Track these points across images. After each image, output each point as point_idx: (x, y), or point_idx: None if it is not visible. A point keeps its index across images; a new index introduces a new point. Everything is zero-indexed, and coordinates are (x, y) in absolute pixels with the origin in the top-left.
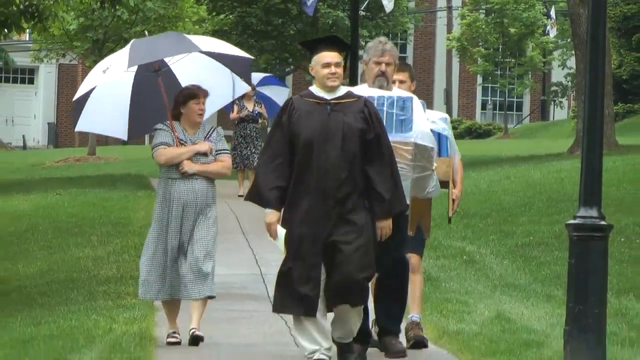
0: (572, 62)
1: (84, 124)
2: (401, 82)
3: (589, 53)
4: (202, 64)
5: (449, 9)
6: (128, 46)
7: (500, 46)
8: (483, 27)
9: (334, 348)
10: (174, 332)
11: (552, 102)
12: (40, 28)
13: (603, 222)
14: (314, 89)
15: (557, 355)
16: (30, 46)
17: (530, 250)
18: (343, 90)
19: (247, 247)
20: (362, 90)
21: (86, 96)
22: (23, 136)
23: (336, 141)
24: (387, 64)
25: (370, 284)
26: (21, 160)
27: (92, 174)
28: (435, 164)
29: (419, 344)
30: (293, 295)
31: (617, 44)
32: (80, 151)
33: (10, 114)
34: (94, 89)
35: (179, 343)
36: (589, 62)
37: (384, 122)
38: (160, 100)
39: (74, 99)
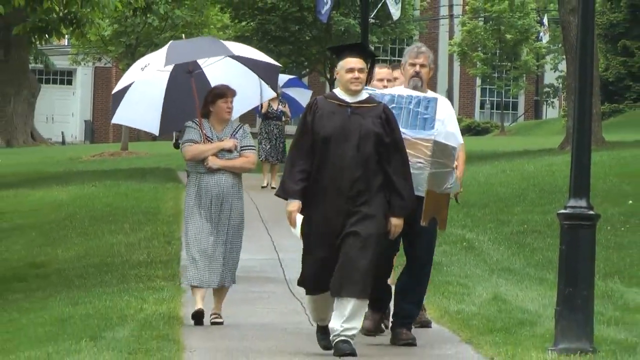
0: (563, 66)
1: (120, 118)
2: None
3: (578, 57)
4: (233, 69)
5: (451, 17)
6: (166, 46)
7: (498, 51)
8: (482, 33)
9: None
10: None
11: (545, 102)
12: (78, 34)
13: (591, 212)
14: (338, 91)
15: (549, 333)
16: (68, 50)
17: (525, 237)
18: (364, 94)
19: (266, 234)
20: (396, 89)
21: (124, 91)
22: (62, 132)
23: (353, 141)
24: (422, 65)
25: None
26: (60, 154)
27: (125, 167)
28: (456, 163)
29: (423, 326)
30: (310, 276)
31: (604, 49)
32: (114, 146)
33: (51, 112)
34: (131, 85)
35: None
36: (578, 65)
37: (409, 119)
38: (192, 100)
39: (113, 92)
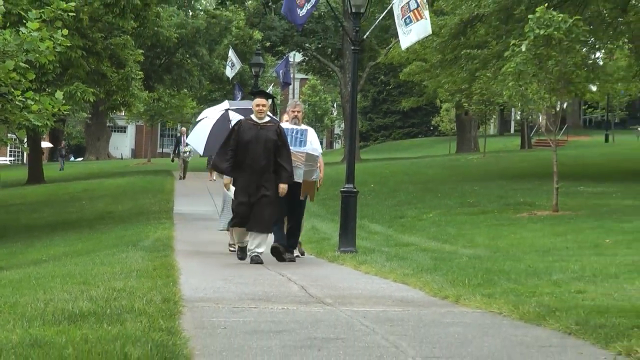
0: (342, 125)
1: (189, 139)
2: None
3: (349, 122)
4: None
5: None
6: (226, 102)
7: (313, 118)
8: (308, 111)
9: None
10: (233, 244)
11: (335, 141)
12: (128, 110)
13: (354, 190)
14: (253, 116)
15: (336, 243)
16: (124, 117)
17: (326, 201)
18: (267, 118)
19: (210, 198)
20: (285, 124)
21: (195, 124)
22: (121, 154)
23: (261, 144)
24: (298, 112)
25: (284, 225)
26: (120, 163)
27: (149, 169)
28: (318, 163)
29: (301, 254)
30: (235, 217)
31: (361, 118)
32: (144, 160)
33: (116, 145)
34: (200, 120)
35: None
36: (349, 125)
37: (293, 141)
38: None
39: (197, 119)
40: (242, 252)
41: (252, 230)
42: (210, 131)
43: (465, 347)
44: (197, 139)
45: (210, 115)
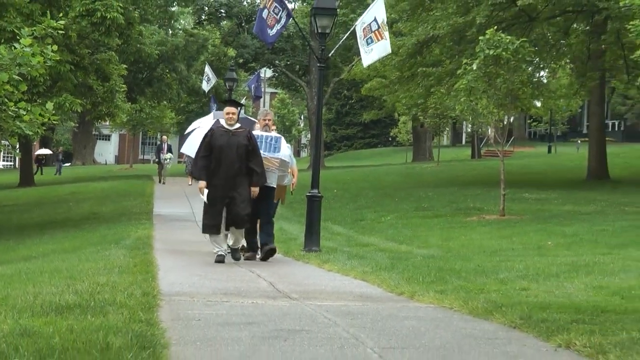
0: (309, 135)
1: (184, 149)
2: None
3: (315, 133)
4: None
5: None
6: (212, 113)
7: (282, 129)
8: (278, 123)
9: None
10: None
11: (303, 150)
12: (112, 120)
13: (319, 194)
14: (224, 123)
15: (302, 243)
16: (108, 126)
17: (294, 204)
18: (238, 125)
19: (187, 201)
20: (257, 132)
21: (187, 135)
22: (105, 160)
23: (233, 149)
24: (269, 120)
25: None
26: (105, 168)
27: (131, 174)
28: (290, 169)
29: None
30: (210, 224)
31: (326, 129)
32: (127, 166)
33: (101, 151)
34: (194, 130)
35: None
36: (315, 136)
37: (267, 147)
38: None
39: (185, 132)
40: (219, 257)
41: (230, 226)
42: (201, 141)
43: (419, 338)
44: (192, 148)
45: (202, 125)
